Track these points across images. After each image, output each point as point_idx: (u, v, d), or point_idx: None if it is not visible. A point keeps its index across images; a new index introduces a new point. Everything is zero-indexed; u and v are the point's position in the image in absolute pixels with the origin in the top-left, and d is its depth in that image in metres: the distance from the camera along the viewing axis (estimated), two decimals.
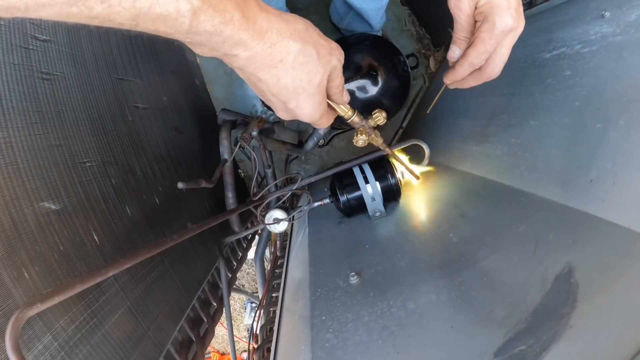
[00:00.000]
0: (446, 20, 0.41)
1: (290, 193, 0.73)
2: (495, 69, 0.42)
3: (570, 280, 0.32)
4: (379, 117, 0.49)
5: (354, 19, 0.93)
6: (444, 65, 1.04)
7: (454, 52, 0.44)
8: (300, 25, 0.32)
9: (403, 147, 0.69)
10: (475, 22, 0.40)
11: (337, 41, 0.86)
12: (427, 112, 0.59)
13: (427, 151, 0.67)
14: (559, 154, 0.45)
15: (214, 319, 0.69)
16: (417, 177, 0.66)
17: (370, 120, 0.50)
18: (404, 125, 1.14)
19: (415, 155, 0.69)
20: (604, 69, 0.42)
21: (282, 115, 0.38)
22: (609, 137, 0.38)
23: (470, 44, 0.41)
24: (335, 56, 0.36)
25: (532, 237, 0.40)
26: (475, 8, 0.39)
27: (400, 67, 0.83)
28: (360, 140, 0.50)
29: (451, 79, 0.46)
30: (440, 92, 0.52)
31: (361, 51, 0.82)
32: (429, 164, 0.69)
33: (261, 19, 0.29)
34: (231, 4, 0.26)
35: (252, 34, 0.28)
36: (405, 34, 1.13)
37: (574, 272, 0.32)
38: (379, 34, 1.02)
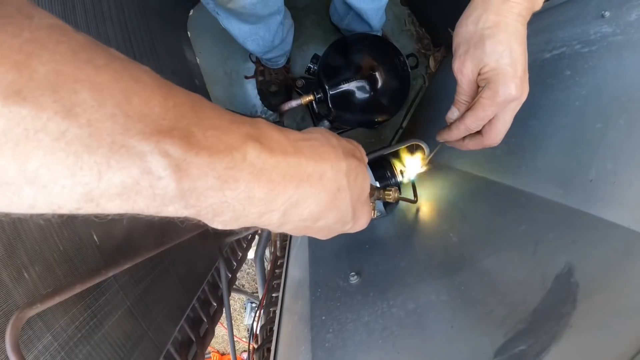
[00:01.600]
0: (446, 20, 0.41)
1: None
2: (497, 136, 0.40)
3: (570, 280, 0.32)
4: (392, 194, 0.42)
5: (353, 19, 0.93)
6: (444, 65, 1.04)
7: (452, 114, 0.43)
8: (332, 139, 0.26)
9: (403, 146, 0.69)
10: (478, 87, 0.39)
11: (337, 41, 0.87)
12: (425, 162, 0.59)
13: (427, 151, 0.67)
14: (559, 154, 0.45)
15: (214, 319, 0.69)
16: (415, 201, 0.66)
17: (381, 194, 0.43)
18: (404, 125, 1.14)
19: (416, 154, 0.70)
20: (604, 68, 0.42)
21: (328, 237, 0.30)
22: (609, 137, 0.38)
23: (469, 108, 0.40)
24: (364, 153, 0.31)
25: (532, 237, 0.40)
26: (479, 74, 0.37)
27: (400, 67, 0.83)
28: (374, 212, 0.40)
29: (444, 139, 0.45)
30: (436, 149, 0.51)
31: (361, 51, 0.82)
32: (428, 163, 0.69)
33: (289, 146, 0.22)
34: (236, 135, 0.18)
35: (287, 171, 0.21)
36: (405, 34, 1.13)
37: (574, 272, 0.32)
38: (379, 34, 1.02)
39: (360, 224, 0.30)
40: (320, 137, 0.26)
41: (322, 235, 0.29)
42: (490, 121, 0.39)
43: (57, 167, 0.14)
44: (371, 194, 0.38)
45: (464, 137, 0.44)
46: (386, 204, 0.70)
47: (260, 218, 0.21)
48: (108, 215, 0.17)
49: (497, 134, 0.40)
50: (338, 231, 0.29)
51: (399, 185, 0.69)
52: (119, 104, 0.15)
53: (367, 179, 0.29)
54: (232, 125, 0.19)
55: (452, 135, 0.43)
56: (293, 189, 0.21)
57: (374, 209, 0.40)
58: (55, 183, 0.14)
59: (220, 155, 0.17)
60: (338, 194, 0.25)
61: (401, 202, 0.72)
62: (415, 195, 0.66)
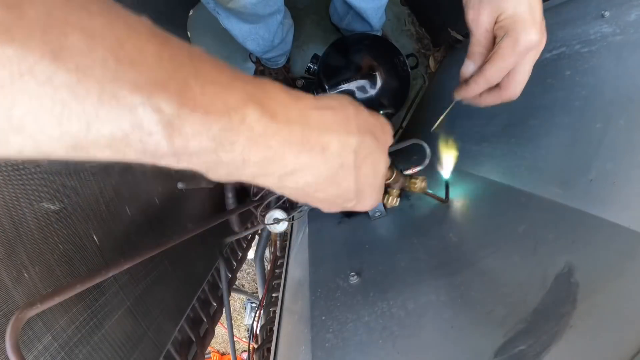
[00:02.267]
0: (446, 20, 0.41)
1: None
2: (517, 87, 0.38)
3: (570, 280, 0.32)
4: (419, 184, 0.40)
5: (353, 18, 0.93)
6: (444, 65, 1.04)
7: (467, 67, 0.40)
8: (350, 109, 0.24)
9: (403, 146, 0.69)
10: (495, 37, 0.37)
11: (337, 41, 0.87)
12: (432, 130, 0.58)
13: (427, 150, 0.67)
14: (559, 154, 0.45)
15: (214, 319, 0.69)
16: (445, 201, 0.62)
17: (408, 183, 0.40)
18: (404, 125, 1.14)
19: (417, 155, 0.69)
20: (604, 68, 0.42)
21: (331, 211, 0.29)
22: (609, 137, 0.38)
23: (487, 59, 0.37)
24: (389, 133, 0.29)
25: (532, 237, 0.40)
26: (496, 22, 0.35)
27: (400, 67, 0.83)
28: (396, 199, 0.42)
29: (463, 96, 0.42)
30: (449, 109, 0.50)
31: (361, 51, 0.82)
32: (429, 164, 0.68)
33: (295, 112, 0.20)
34: (237, 94, 0.17)
35: (287, 139, 0.20)
36: (405, 34, 1.13)
37: (574, 272, 0.32)
38: (379, 33, 1.02)
39: (364, 204, 0.28)
40: (337, 105, 0.23)
41: (324, 207, 0.28)
42: (508, 73, 0.38)
43: (43, 117, 0.13)
44: (396, 180, 0.36)
45: (481, 93, 0.42)
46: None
47: (255, 179, 0.21)
48: (101, 162, 0.16)
49: (516, 86, 0.38)
50: (340, 207, 0.28)
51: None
52: (111, 49, 0.14)
53: (382, 161, 0.27)
54: (234, 82, 0.17)
55: (471, 90, 0.40)
56: (291, 158, 0.20)
57: (394, 197, 0.38)
58: (42, 133, 0.13)
59: (217, 114, 0.16)
60: (340, 170, 0.23)
61: (401, 203, 0.71)
62: (447, 195, 0.61)
